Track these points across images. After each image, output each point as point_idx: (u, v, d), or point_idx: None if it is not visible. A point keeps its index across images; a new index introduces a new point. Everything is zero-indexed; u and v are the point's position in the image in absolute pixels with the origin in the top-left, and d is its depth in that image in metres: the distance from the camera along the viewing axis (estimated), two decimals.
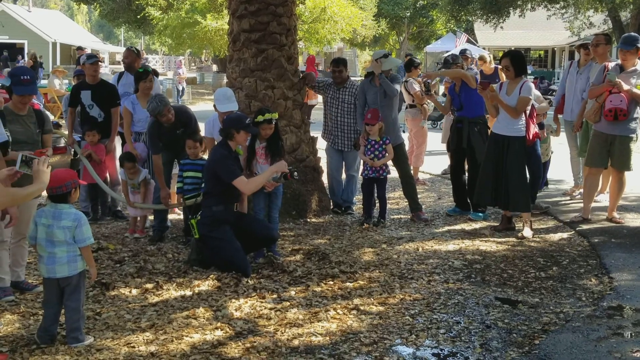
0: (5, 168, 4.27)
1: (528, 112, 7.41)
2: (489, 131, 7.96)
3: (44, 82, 22.70)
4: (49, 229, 4.58)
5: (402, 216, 8.66)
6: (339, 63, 8.85)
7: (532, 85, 7.38)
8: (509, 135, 7.35)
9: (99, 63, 8.71)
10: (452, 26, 46.92)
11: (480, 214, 8.31)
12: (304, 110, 9.03)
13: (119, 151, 8.72)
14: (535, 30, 43.10)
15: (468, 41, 41.49)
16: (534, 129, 7.49)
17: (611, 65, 7.90)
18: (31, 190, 3.99)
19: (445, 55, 9.22)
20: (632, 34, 8.18)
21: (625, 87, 7.44)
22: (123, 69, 9.32)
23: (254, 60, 8.52)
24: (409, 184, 8.52)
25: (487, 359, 4.44)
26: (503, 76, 10.25)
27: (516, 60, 7.35)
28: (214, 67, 54.17)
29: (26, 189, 3.98)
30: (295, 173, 6.56)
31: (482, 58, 11.77)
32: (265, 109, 7.02)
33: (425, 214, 8.49)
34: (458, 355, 4.51)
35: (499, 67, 9.16)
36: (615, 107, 7.47)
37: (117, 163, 8.42)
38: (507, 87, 7.42)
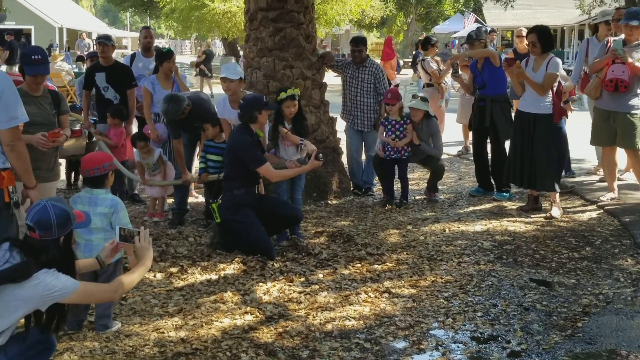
0: (108, 242, 4.06)
1: (555, 89, 7.22)
2: (515, 109, 7.79)
3: None
4: None
5: (423, 197, 8.49)
6: (358, 42, 8.66)
7: (559, 61, 7.18)
8: (536, 113, 7.15)
9: (107, 45, 8.48)
10: (460, 6, 46.64)
11: (505, 194, 8.13)
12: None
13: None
14: (545, 10, 42.66)
15: (476, 21, 41.16)
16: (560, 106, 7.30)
17: (612, 39, 7.71)
18: (139, 272, 3.68)
19: (470, 31, 8.98)
20: (635, 8, 7.95)
21: (629, 59, 7.25)
22: (129, 52, 9.14)
23: (271, 39, 8.33)
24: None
25: (530, 342, 4.29)
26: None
27: (543, 35, 7.13)
28: (220, 51, 53.88)
29: (134, 272, 3.67)
30: (320, 155, 6.40)
31: (519, 34, 11.42)
32: (285, 86, 6.88)
33: (437, 195, 8.34)
34: (499, 338, 4.37)
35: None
36: (617, 77, 7.28)
37: None
38: (534, 64, 7.22)
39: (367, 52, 8.88)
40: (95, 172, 4.52)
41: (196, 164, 8.38)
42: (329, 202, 8.19)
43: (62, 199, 3.55)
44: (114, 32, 54.53)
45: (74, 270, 3.41)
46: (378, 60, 12.06)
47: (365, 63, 8.56)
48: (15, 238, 3.29)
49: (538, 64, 7.16)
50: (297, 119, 6.72)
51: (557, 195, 7.31)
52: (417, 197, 8.45)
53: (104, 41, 8.25)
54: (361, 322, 4.70)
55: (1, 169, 3.99)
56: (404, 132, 7.87)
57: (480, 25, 39.01)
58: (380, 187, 8.66)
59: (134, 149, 7.81)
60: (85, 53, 27.20)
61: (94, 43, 8.90)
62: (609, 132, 7.55)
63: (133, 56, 9.13)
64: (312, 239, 6.67)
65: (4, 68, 16.98)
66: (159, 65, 8.05)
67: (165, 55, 7.97)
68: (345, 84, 8.76)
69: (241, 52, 42.46)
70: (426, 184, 8.44)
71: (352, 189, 8.72)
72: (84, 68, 21.00)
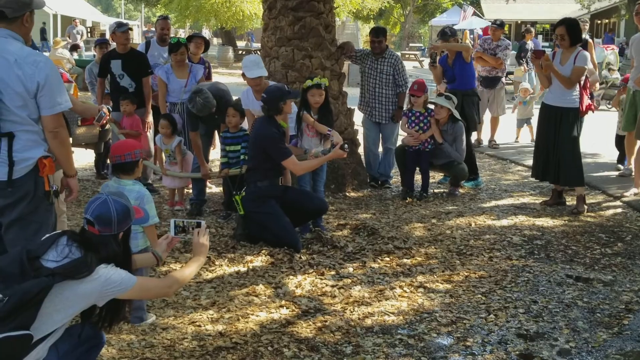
0: (162, 237, 3.93)
1: (582, 82, 7.13)
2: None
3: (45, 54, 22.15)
4: None
5: (442, 190, 8.40)
6: (379, 33, 8.53)
7: (588, 55, 7.09)
8: (563, 107, 7.06)
9: (129, 31, 8.38)
10: None
11: (472, 182, 8.42)
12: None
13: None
14: (543, 3, 42.64)
15: (474, 14, 41.07)
16: (587, 100, 7.22)
17: None
18: (192, 268, 3.55)
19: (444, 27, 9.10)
20: None
21: None
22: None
23: (290, 28, 8.19)
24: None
25: (578, 340, 4.20)
26: (592, 51, 10.13)
27: (572, 28, 7.03)
28: (214, 40, 53.51)
29: (188, 268, 3.54)
30: (346, 145, 6.29)
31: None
32: (313, 75, 6.78)
33: (457, 190, 8.22)
34: (546, 336, 4.28)
35: (589, 40, 8.98)
36: None
37: (150, 134, 8.17)
38: (561, 57, 7.11)
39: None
40: (127, 158, 4.43)
41: (212, 155, 8.27)
42: (347, 194, 8.09)
43: (122, 193, 3.43)
44: (108, 20, 54.10)
45: (131, 266, 3.30)
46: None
47: (384, 54, 8.44)
48: (72, 232, 3.16)
49: (566, 57, 7.06)
50: (324, 110, 6.60)
51: (583, 189, 7.22)
52: (435, 190, 8.35)
53: (129, 28, 8.15)
54: (401, 317, 4.61)
55: (43, 157, 3.87)
56: (428, 124, 7.77)
57: (479, 17, 39.02)
58: (396, 179, 8.60)
59: (155, 135, 7.69)
60: (79, 41, 26.99)
61: (111, 30, 8.69)
62: None
63: (148, 44, 8.98)
64: (335, 232, 6.57)
65: None
66: (170, 55, 7.95)
67: (173, 47, 7.83)
68: (364, 75, 8.64)
69: (237, 42, 42.25)
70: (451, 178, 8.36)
71: (368, 181, 8.61)
72: (85, 55, 20.83)
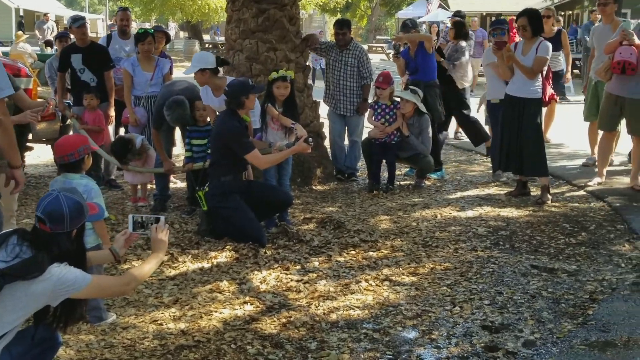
0: (120, 233, 3.77)
1: (544, 73, 7.15)
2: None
3: (5, 49, 21.75)
4: None
5: (408, 182, 8.39)
6: (342, 25, 8.49)
7: (549, 45, 7.10)
8: (525, 97, 7.06)
9: (86, 26, 8.22)
10: None
11: (439, 173, 8.48)
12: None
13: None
14: None
15: (440, 6, 41.19)
16: (550, 90, 7.25)
17: (622, 20, 7.65)
18: (151, 265, 3.42)
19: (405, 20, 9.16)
20: None
21: (637, 41, 7.20)
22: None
23: (254, 20, 8.11)
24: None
25: (543, 331, 4.19)
26: (567, 41, 10.24)
27: (534, 19, 7.05)
28: (181, 34, 53.15)
29: (147, 264, 3.42)
30: (310, 139, 6.23)
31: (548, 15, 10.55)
32: (278, 67, 6.71)
33: (423, 182, 8.21)
34: (511, 327, 4.26)
35: (563, 30, 8.98)
36: (624, 59, 7.19)
37: (111, 129, 8.06)
38: (523, 47, 7.12)
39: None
40: (70, 159, 4.22)
41: (176, 150, 8.18)
42: (314, 187, 8.05)
43: (75, 189, 3.31)
44: (71, 14, 53.29)
45: (85, 264, 3.20)
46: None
47: (349, 46, 8.39)
48: (24, 230, 3.05)
49: (527, 48, 7.07)
50: (289, 104, 6.54)
51: (548, 180, 7.25)
52: (401, 183, 8.34)
53: (85, 22, 7.99)
54: (366, 311, 4.57)
55: None
56: (394, 117, 7.74)
57: (445, 10, 39.14)
58: (363, 172, 8.56)
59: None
60: (52, 36, 26.52)
61: (67, 24, 8.56)
62: (613, 117, 7.48)
63: (109, 37, 8.83)
64: (301, 226, 6.52)
65: None
66: (137, 46, 7.81)
67: (141, 37, 7.69)
68: (329, 68, 8.59)
69: (204, 36, 41.95)
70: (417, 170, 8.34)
71: (335, 174, 8.57)
72: (50, 51, 20.46)
